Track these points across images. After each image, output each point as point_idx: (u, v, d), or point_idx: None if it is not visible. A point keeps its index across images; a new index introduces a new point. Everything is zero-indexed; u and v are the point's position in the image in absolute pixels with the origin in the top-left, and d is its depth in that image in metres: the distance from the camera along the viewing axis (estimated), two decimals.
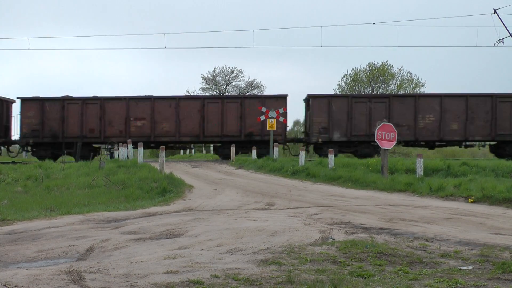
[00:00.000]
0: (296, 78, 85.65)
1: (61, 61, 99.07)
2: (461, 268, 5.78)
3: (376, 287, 5.07)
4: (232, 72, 51.74)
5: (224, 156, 27.64)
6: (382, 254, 6.32)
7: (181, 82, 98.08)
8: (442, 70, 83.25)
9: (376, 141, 16.95)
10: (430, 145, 27.73)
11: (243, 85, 51.98)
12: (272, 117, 25.08)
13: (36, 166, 19.76)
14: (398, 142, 26.81)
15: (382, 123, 17.05)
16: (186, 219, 9.38)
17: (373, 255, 6.27)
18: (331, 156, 19.55)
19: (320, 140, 26.76)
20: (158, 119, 27.26)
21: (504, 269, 5.61)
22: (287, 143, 28.87)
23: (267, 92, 50.35)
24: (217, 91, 51.10)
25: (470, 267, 5.81)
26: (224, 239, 7.33)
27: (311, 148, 28.59)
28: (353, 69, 47.21)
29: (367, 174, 16.91)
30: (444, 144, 27.92)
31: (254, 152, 25.84)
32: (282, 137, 27.12)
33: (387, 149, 16.85)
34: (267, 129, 25.36)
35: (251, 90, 51.17)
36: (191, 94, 46.49)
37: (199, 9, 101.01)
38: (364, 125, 26.79)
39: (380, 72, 46.01)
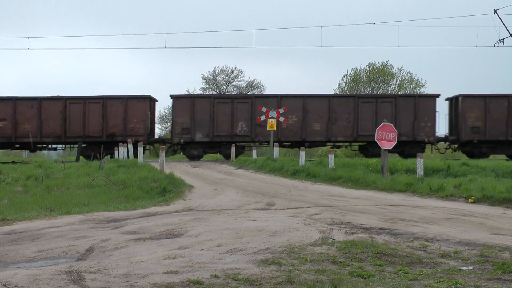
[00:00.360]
0: (296, 78, 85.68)
1: (61, 61, 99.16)
2: (461, 268, 5.78)
3: (376, 287, 5.07)
4: (232, 72, 51.84)
5: (87, 157, 27.30)
6: (382, 254, 6.32)
7: (182, 82, 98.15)
8: (442, 70, 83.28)
9: (377, 141, 16.94)
10: (298, 145, 27.77)
11: (244, 85, 52.08)
12: (272, 117, 25.08)
13: (36, 166, 19.76)
14: (260, 143, 27.12)
15: (383, 123, 17.05)
16: (186, 219, 9.38)
17: (373, 255, 6.27)
18: (331, 156, 19.55)
19: (182, 140, 26.84)
20: (20, 119, 27.24)
21: (504, 270, 5.61)
22: (153, 144, 28.83)
23: (267, 91, 50.42)
24: (217, 90, 51.14)
25: (470, 268, 5.81)
26: (224, 239, 7.33)
27: (178, 148, 28.44)
28: (353, 69, 47.30)
29: (367, 174, 16.91)
30: (311, 145, 28.11)
31: (254, 152, 25.85)
32: (145, 137, 27.02)
33: (387, 149, 16.84)
34: (267, 129, 25.31)
35: (251, 90, 51.23)
36: (191, 93, 46.47)
37: (199, 9, 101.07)
38: (226, 126, 26.96)
39: (380, 72, 46.04)
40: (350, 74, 47.00)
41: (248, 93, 49.46)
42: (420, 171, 15.74)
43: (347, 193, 14.10)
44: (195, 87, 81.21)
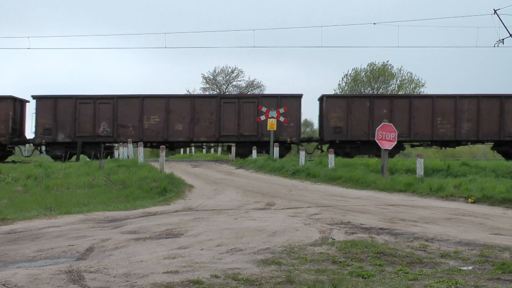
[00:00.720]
0: (296, 78, 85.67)
1: (61, 61, 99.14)
2: (461, 268, 5.78)
3: (376, 287, 5.07)
4: (232, 72, 51.83)
5: None
6: (382, 254, 6.32)
7: (182, 82, 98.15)
8: (442, 71, 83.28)
9: (376, 141, 16.94)
10: (160, 145, 27.85)
11: (244, 85, 52.08)
12: (272, 117, 25.06)
13: (36, 165, 19.76)
14: (123, 143, 27.04)
15: (382, 123, 17.03)
16: (186, 218, 9.38)
17: (373, 255, 6.27)
18: (331, 156, 19.54)
19: (43, 141, 26.76)
20: None
21: (504, 270, 5.61)
22: (17, 144, 28.50)
23: (267, 91, 50.42)
24: (218, 90, 51.15)
25: (470, 268, 5.81)
26: (224, 239, 7.33)
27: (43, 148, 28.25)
28: (353, 69, 47.32)
29: (367, 174, 16.91)
30: (175, 145, 28.10)
31: (254, 152, 25.85)
32: (6, 138, 26.79)
33: (387, 149, 16.83)
34: (267, 129, 25.28)
35: (251, 90, 51.21)
36: (191, 93, 46.46)
37: (199, 9, 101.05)
38: (89, 126, 27.00)
39: (380, 72, 46.02)
40: (350, 74, 47.00)
41: (248, 92, 49.44)
42: (420, 171, 15.74)
43: (347, 193, 14.10)
44: (195, 87, 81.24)
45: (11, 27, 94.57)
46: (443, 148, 28.47)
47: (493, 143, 27.52)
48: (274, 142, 26.39)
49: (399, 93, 43.32)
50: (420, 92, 44.09)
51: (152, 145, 27.95)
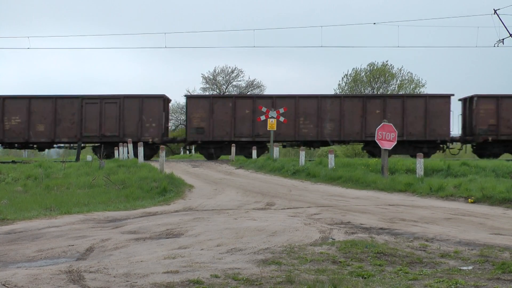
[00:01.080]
0: (296, 78, 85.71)
1: (61, 61, 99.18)
2: (461, 268, 5.78)
3: (376, 287, 5.06)
4: (232, 72, 51.92)
5: None
6: (382, 254, 6.32)
7: (182, 82, 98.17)
8: (442, 70, 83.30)
9: (376, 141, 16.93)
10: (22, 146, 28.08)
11: (244, 84, 52.16)
12: (272, 117, 25.05)
13: (36, 165, 19.76)
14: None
15: (383, 123, 17.03)
16: (186, 218, 9.38)
17: (373, 255, 6.27)
18: (331, 156, 19.54)
19: None
20: None
21: (504, 269, 5.61)
22: None
23: (266, 91, 50.42)
24: (218, 90, 51.18)
25: (470, 267, 5.81)
26: (224, 239, 7.33)
27: None
28: (353, 69, 47.31)
29: (367, 174, 16.90)
30: (38, 146, 28.24)
31: (254, 152, 25.84)
32: None
33: (387, 149, 16.82)
34: (267, 129, 25.26)
35: (251, 90, 51.26)
36: (192, 93, 46.46)
37: (199, 9, 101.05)
38: None
39: (380, 72, 45.99)
40: (350, 74, 46.98)
41: (248, 92, 49.44)
42: (420, 171, 15.74)
43: (347, 193, 14.10)
44: (195, 87, 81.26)
45: (11, 27, 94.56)
46: (311, 148, 28.78)
47: (363, 143, 27.93)
48: (136, 142, 26.55)
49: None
50: (420, 92, 44.08)
51: (14, 146, 28.07)
